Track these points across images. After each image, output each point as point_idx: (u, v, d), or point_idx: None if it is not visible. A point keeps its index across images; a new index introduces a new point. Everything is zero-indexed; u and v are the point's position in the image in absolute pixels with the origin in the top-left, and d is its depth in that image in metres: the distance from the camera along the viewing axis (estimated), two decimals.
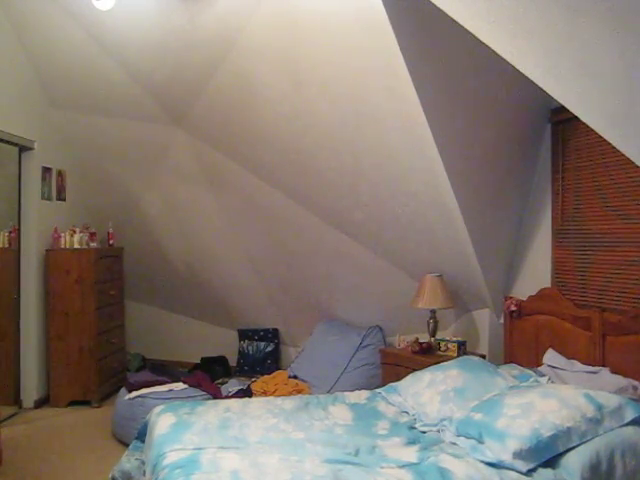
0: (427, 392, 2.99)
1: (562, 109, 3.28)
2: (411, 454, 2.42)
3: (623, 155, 1.76)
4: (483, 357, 3.76)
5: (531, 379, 3.05)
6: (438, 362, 3.42)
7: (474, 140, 3.29)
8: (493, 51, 1.79)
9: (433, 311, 4.00)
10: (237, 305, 5.50)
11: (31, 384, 4.54)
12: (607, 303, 3.18)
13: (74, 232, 4.75)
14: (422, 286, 3.92)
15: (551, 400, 2.45)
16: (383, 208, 3.88)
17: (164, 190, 5.00)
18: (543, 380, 3.04)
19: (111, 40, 3.88)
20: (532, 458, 2.23)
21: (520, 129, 3.53)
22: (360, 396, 3.28)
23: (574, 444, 2.28)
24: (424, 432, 2.73)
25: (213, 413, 2.90)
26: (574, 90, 1.69)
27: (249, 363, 5.41)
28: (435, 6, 1.96)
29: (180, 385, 4.13)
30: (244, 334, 5.53)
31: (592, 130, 1.77)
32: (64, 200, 4.94)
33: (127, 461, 2.96)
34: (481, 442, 2.39)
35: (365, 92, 3.22)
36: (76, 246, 4.71)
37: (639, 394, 2.76)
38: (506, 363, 3.62)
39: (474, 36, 1.81)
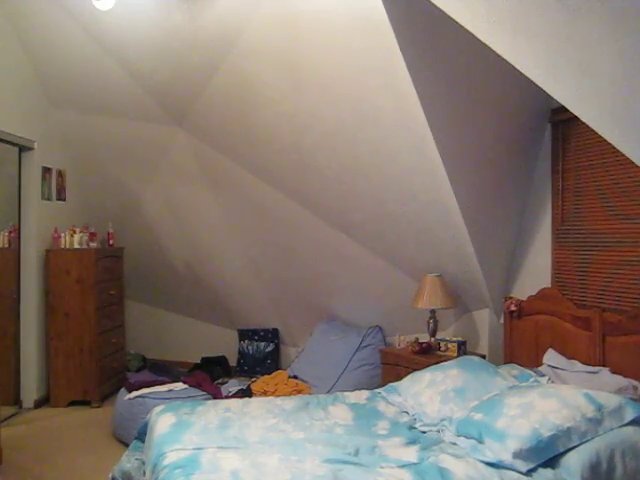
0: (427, 392, 2.99)
1: (562, 109, 3.28)
2: (411, 454, 2.42)
3: (623, 155, 1.76)
4: (483, 357, 3.76)
5: (531, 379, 3.06)
6: (438, 362, 3.43)
7: (474, 140, 3.29)
8: (493, 51, 1.79)
9: (433, 311, 4.00)
10: (237, 305, 5.50)
11: (31, 384, 4.53)
12: (607, 303, 3.18)
13: (74, 232, 4.75)
14: (422, 286, 3.92)
15: (551, 400, 2.45)
16: (383, 208, 3.88)
17: (164, 190, 5.00)
18: (543, 380, 3.04)
19: (111, 40, 3.88)
20: (532, 458, 2.23)
21: (520, 129, 3.53)
22: (360, 396, 3.27)
23: (574, 444, 2.28)
24: (424, 432, 2.73)
25: (213, 413, 2.90)
26: (574, 90, 1.69)
27: (249, 363, 5.41)
28: (435, 6, 1.96)
29: (180, 385, 4.13)
30: (244, 334, 5.54)
31: (592, 130, 1.77)
32: (64, 200, 4.94)
33: (127, 461, 2.96)
34: (481, 442, 2.39)
35: (365, 92, 3.22)
36: (76, 246, 4.71)
37: (639, 394, 2.76)
38: (506, 363, 3.62)
39: (474, 36, 1.81)
